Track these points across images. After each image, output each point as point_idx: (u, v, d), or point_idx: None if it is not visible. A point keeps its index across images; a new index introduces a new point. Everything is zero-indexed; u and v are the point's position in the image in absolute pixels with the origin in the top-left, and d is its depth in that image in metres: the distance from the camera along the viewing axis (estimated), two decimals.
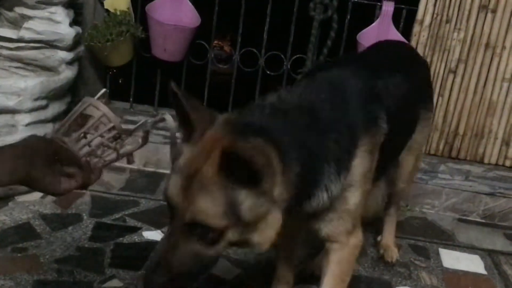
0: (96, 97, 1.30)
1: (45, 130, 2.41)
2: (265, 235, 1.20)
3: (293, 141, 1.26)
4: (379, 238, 2.25)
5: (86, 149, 1.24)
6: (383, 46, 2.05)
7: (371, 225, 2.35)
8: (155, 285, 1.17)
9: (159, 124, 1.34)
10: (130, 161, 1.37)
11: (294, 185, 1.23)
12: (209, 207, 1.14)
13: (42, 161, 1.15)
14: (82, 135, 1.24)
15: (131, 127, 1.30)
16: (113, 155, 1.29)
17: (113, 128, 1.24)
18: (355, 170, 1.40)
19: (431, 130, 2.21)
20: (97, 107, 1.24)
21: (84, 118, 1.26)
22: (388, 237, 2.21)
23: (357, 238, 1.51)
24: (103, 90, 1.36)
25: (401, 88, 1.65)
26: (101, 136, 1.24)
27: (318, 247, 1.71)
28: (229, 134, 1.16)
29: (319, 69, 1.60)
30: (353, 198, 1.42)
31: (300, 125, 1.31)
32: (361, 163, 1.41)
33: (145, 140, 1.35)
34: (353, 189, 1.41)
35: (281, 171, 1.20)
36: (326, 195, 1.34)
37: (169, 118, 1.30)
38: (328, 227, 1.44)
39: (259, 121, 1.25)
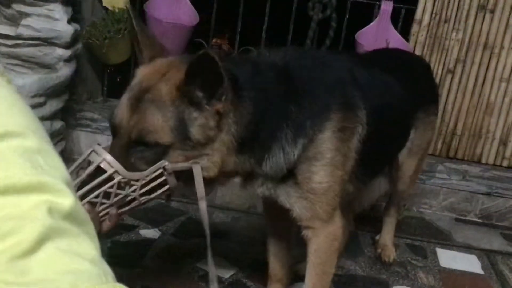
0: None
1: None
2: (211, 161, 1.26)
3: (253, 86, 1.32)
4: (377, 237, 2.25)
5: (89, 196, 1.20)
6: (382, 51, 2.09)
7: (369, 224, 2.36)
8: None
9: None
10: (166, 200, 1.37)
11: (247, 123, 1.29)
12: (158, 120, 1.18)
13: None
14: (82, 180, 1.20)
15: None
16: (133, 198, 1.25)
17: (117, 173, 1.20)
18: (321, 145, 1.41)
19: (434, 134, 2.21)
20: (98, 153, 1.21)
21: (89, 164, 1.22)
22: (386, 236, 2.21)
23: (334, 226, 1.50)
24: None
25: (391, 88, 1.67)
26: (101, 183, 1.20)
27: None
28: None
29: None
30: (319, 176, 1.42)
31: (266, 78, 1.36)
32: (329, 141, 1.41)
33: (172, 184, 1.29)
34: (319, 164, 1.41)
35: (234, 101, 1.26)
36: (283, 156, 1.37)
37: (197, 168, 1.26)
38: (298, 206, 1.44)
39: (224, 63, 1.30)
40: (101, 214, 1.22)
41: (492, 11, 2.60)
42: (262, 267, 1.90)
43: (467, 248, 2.38)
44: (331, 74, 1.48)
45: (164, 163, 1.22)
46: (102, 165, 1.19)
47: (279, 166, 1.38)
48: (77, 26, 2.54)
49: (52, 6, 2.38)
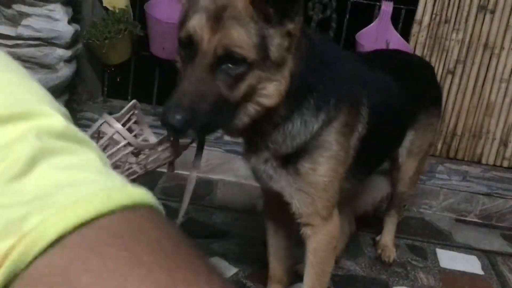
0: (123, 111, 1.28)
1: None
2: (277, 88, 1.25)
3: (310, 40, 1.36)
4: (377, 238, 2.25)
5: None
6: (384, 52, 2.11)
7: (369, 225, 2.36)
8: (174, 122, 1.14)
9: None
10: (169, 170, 1.37)
11: (300, 66, 1.31)
12: (243, 36, 1.18)
13: None
14: None
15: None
16: (137, 169, 1.27)
17: (129, 144, 1.21)
18: (332, 134, 1.42)
19: (436, 136, 2.20)
20: (111, 124, 1.22)
21: (101, 136, 1.24)
22: (386, 237, 2.21)
23: (332, 225, 1.51)
24: (133, 101, 1.32)
25: (392, 88, 1.69)
26: (114, 153, 1.22)
27: None
28: None
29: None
30: (322, 168, 1.42)
31: (317, 44, 1.40)
32: (338, 132, 1.43)
33: (177, 152, 1.31)
34: (324, 155, 1.42)
35: (302, 31, 1.29)
36: (301, 125, 1.37)
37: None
38: (298, 199, 1.45)
39: None
40: None
41: (493, 12, 2.60)
42: (262, 268, 1.90)
43: (467, 249, 2.38)
44: (346, 68, 1.50)
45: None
46: (115, 137, 1.20)
47: (293, 135, 1.38)
48: (77, 26, 2.54)
49: (52, 6, 2.38)
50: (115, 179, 0.44)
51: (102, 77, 2.89)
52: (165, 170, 2.59)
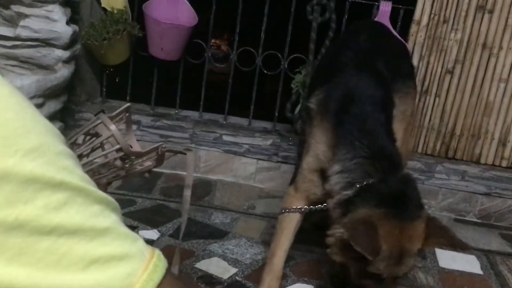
0: (116, 112, 1.28)
1: None
2: None
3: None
4: None
5: (88, 166, 1.22)
6: (358, 29, 2.23)
7: None
8: None
9: (177, 154, 1.33)
10: (146, 174, 1.38)
11: None
12: None
13: None
14: (87, 151, 1.23)
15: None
16: (120, 173, 1.28)
17: (121, 149, 1.22)
18: None
19: (415, 106, 2.33)
20: (108, 126, 1.22)
21: (94, 135, 1.25)
22: None
23: None
24: (127, 104, 1.34)
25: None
26: (106, 156, 1.23)
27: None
28: None
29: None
30: None
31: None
32: None
33: (160, 162, 1.33)
34: None
35: None
36: None
37: (190, 155, 1.28)
38: None
39: None
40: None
41: (491, 12, 2.60)
42: (260, 268, 1.90)
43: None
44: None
45: (162, 144, 1.24)
46: (109, 140, 1.21)
47: None
48: (75, 27, 2.54)
49: (50, 7, 2.38)
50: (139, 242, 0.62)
51: (101, 78, 2.90)
52: (164, 170, 2.61)
